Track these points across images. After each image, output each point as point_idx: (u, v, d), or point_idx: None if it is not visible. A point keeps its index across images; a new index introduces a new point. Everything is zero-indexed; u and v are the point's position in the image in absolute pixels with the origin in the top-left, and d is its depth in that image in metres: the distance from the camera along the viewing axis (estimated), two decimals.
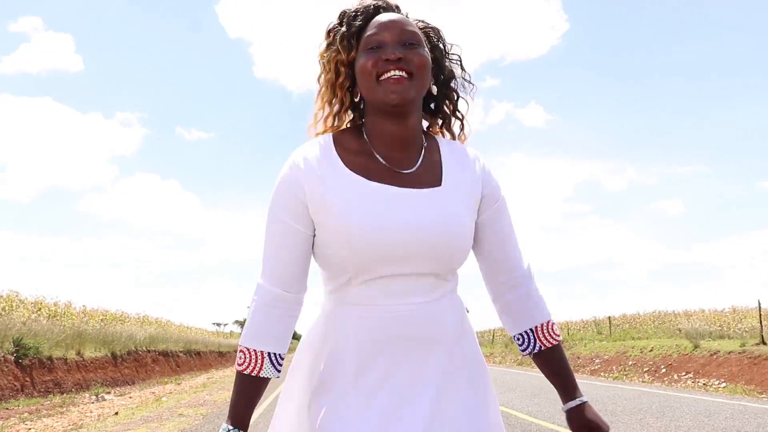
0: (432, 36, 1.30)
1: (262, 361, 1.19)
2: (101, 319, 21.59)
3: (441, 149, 1.29)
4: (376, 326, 1.18)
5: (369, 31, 1.21)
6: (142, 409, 10.20)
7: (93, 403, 12.22)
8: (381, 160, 1.21)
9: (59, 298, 20.51)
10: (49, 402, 11.99)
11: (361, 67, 1.21)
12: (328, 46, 1.27)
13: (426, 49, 1.23)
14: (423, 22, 1.30)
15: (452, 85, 1.33)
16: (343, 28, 1.24)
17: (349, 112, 1.32)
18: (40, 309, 18.05)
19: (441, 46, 1.31)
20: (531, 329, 1.31)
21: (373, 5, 1.24)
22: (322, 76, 1.30)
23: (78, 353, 15.80)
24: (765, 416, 7.61)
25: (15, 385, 12.14)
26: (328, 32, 1.27)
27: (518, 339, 1.33)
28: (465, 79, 1.34)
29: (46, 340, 14.25)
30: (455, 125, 1.36)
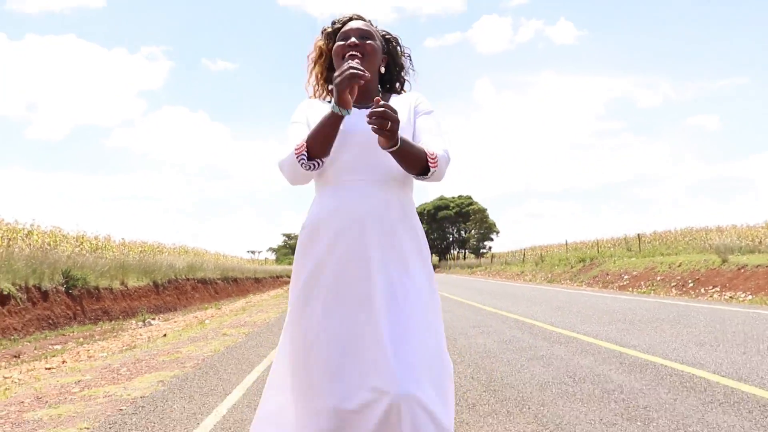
0: (391, 40, 2.09)
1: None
2: (140, 251, 22.40)
3: (392, 96, 2.07)
4: (339, 194, 1.87)
5: (344, 30, 1.99)
6: (188, 331, 10.70)
7: (141, 327, 12.96)
8: None
9: (99, 232, 21.33)
10: (99, 328, 12.78)
11: (335, 49, 1.98)
12: (322, 36, 2.07)
13: (377, 41, 1.98)
14: (386, 30, 2.09)
15: (404, 67, 2.13)
16: (329, 29, 2.07)
17: (328, 86, 2.11)
18: (82, 243, 18.73)
19: (397, 48, 2.10)
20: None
21: (349, 16, 2.04)
22: (311, 55, 2.10)
23: (122, 283, 16.58)
24: None
25: (68, 314, 12.95)
26: (322, 30, 2.08)
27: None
28: (411, 68, 2.15)
29: (91, 272, 14.96)
30: (406, 86, 2.16)
